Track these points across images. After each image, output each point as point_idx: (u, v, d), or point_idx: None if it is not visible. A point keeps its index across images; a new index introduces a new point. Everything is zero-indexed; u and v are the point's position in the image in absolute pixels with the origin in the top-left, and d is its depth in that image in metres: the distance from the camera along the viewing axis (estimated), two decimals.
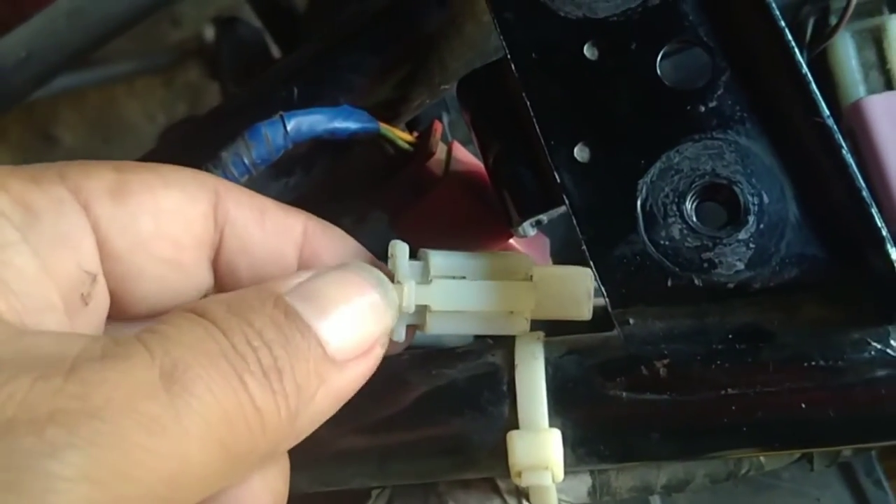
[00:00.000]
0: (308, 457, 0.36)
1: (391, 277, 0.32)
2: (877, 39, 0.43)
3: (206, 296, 0.32)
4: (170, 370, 0.22)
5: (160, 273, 0.30)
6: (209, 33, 1.17)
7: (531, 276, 0.35)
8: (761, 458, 0.38)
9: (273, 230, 0.32)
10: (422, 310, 0.34)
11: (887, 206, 0.36)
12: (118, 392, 0.21)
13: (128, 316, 0.30)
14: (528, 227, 0.38)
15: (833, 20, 0.43)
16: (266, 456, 0.25)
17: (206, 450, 0.22)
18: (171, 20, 1.46)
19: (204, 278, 0.32)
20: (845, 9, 0.41)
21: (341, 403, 0.28)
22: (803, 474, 0.48)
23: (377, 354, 0.29)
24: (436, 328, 0.34)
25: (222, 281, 0.32)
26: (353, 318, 0.28)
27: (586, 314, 0.35)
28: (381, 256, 0.34)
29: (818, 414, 0.33)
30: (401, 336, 0.33)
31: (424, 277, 0.34)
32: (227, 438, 0.23)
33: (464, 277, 0.34)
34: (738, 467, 0.38)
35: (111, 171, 0.29)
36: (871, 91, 0.42)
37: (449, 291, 0.34)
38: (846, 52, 0.43)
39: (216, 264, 0.32)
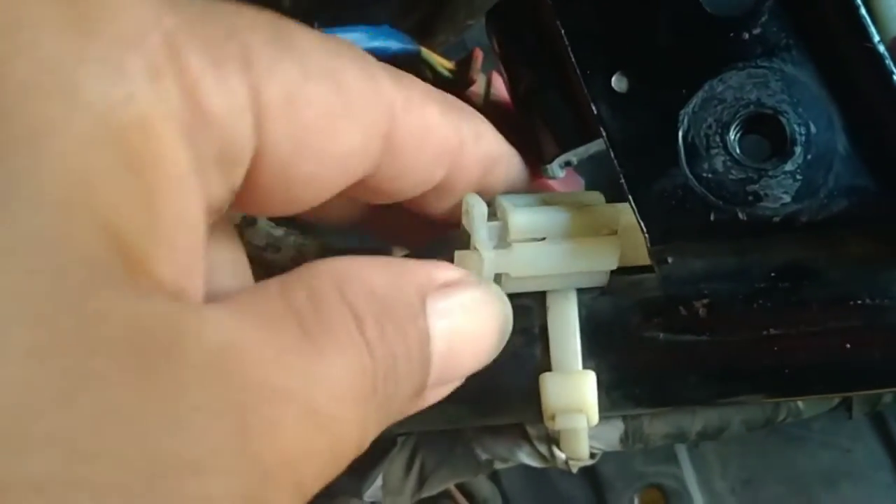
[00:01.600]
0: None
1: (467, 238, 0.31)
2: None
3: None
4: (323, 413, 0.21)
5: (298, 206, 0.26)
6: None
7: (616, 231, 0.33)
8: (799, 404, 0.37)
9: (432, 156, 0.30)
10: (500, 276, 0.32)
11: None
12: (287, 446, 0.20)
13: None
14: (556, 168, 0.37)
15: None
16: None
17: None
18: None
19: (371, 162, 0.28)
20: None
21: None
22: (834, 425, 0.47)
23: (457, 385, 0.28)
24: (509, 289, 0.32)
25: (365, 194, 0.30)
26: (465, 352, 0.26)
27: None
28: None
29: (863, 355, 0.31)
30: None
31: (503, 241, 0.31)
32: (330, 477, 0.22)
33: (544, 238, 0.32)
34: (775, 414, 0.37)
35: (297, 71, 0.23)
36: None
37: (529, 257, 0.31)
38: None
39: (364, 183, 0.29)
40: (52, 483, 0.15)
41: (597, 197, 0.34)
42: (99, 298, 0.17)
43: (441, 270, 0.26)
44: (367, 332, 0.22)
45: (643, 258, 0.32)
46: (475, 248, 0.31)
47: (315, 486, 0.21)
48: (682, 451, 0.48)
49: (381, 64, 0.28)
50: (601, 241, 0.32)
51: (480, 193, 0.32)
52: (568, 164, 0.38)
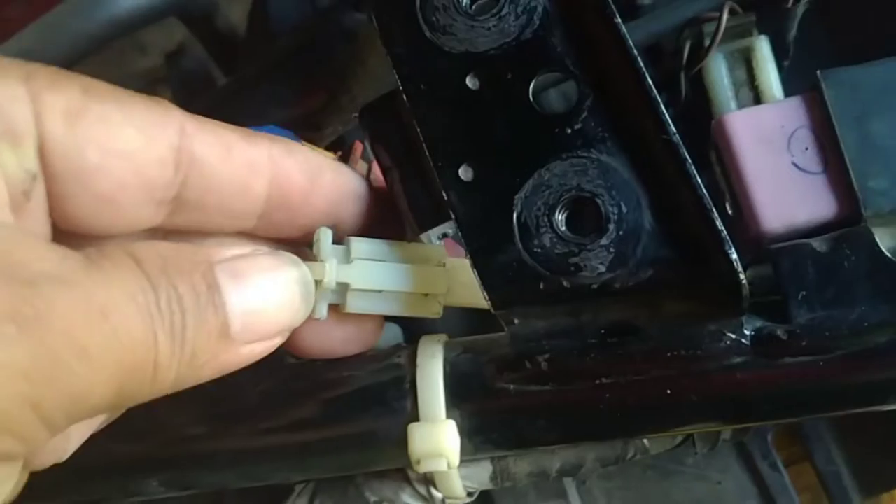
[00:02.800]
0: (234, 455, 0.40)
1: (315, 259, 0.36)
2: (746, 59, 0.47)
3: (155, 229, 0.34)
4: (106, 309, 0.25)
5: (96, 206, 0.31)
6: None
7: (444, 264, 0.39)
8: (645, 442, 0.42)
9: (239, 166, 0.34)
10: (343, 288, 0.37)
11: (747, 213, 0.40)
12: (66, 314, 0.24)
13: (68, 226, 0.31)
14: (434, 238, 0.43)
15: (707, 42, 0.47)
16: (138, 402, 0.28)
17: (108, 386, 0.26)
18: (138, 49, 1.49)
19: (146, 216, 0.33)
20: (716, 31, 0.46)
21: (222, 374, 0.30)
22: (706, 460, 0.52)
23: (275, 344, 0.32)
24: (355, 307, 0.38)
25: (189, 215, 0.34)
26: (266, 308, 0.31)
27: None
28: None
29: (682, 398, 0.37)
30: (322, 314, 0.36)
31: (346, 258, 0.37)
32: (126, 382, 0.26)
33: (383, 261, 0.38)
34: (624, 451, 0.42)
35: (78, 90, 0.29)
36: (741, 106, 0.46)
37: (368, 272, 0.38)
38: (719, 71, 0.47)
39: (181, 200, 0.33)
40: None
41: (438, 250, 0.40)
42: None
43: (231, 246, 0.31)
44: (146, 268, 0.27)
45: (470, 299, 0.37)
46: (321, 260, 0.36)
47: (104, 359, 0.25)
48: (570, 487, 0.52)
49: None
50: (431, 269, 0.39)
51: (336, 227, 0.38)
52: (445, 234, 0.43)
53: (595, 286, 0.35)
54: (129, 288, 0.26)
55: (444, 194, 0.37)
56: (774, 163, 0.39)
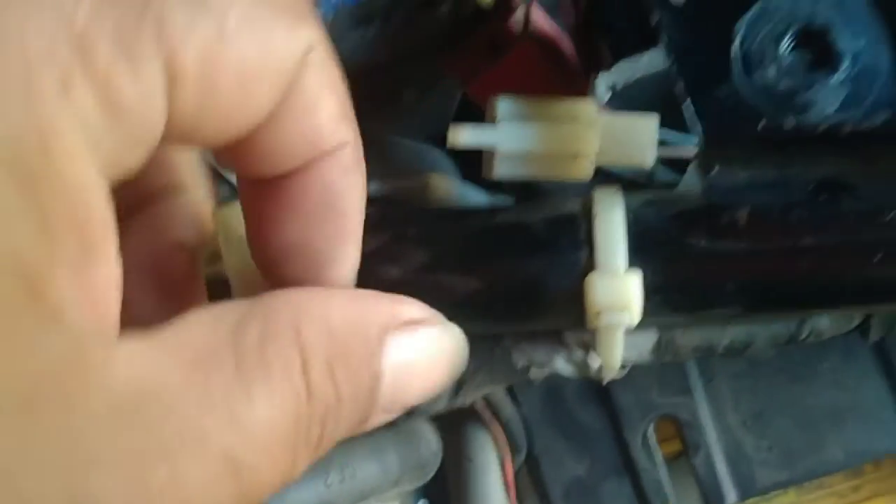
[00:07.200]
0: None
1: None
2: None
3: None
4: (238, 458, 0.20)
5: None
6: None
7: (595, 121, 0.35)
8: (822, 324, 0.39)
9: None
10: (488, 154, 0.33)
11: None
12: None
13: None
14: (603, 92, 0.39)
15: None
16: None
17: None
18: None
19: None
20: None
21: None
22: (843, 365, 0.49)
23: (400, 412, 0.26)
24: (502, 172, 0.34)
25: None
26: (414, 387, 0.25)
27: (650, 161, 0.35)
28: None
29: (892, 269, 0.33)
30: None
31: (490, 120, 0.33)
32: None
33: (530, 120, 0.34)
34: (799, 331, 0.39)
35: (213, 27, 0.20)
36: None
37: (515, 133, 0.34)
38: None
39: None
40: None
41: (589, 106, 0.35)
42: None
43: (406, 307, 0.25)
44: (312, 375, 0.21)
45: (625, 158, 0.34)
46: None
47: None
48: (696, 385, 0.49)
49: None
50: (582, 128, 0.34)
51: None
52: (612, 88, 0.40)
53: (822, 128, 0.32)
54: (277, 416, 0.20)
55: (655, 15, 0.33)
56: None
